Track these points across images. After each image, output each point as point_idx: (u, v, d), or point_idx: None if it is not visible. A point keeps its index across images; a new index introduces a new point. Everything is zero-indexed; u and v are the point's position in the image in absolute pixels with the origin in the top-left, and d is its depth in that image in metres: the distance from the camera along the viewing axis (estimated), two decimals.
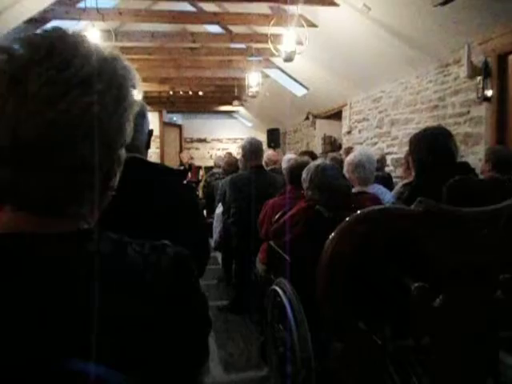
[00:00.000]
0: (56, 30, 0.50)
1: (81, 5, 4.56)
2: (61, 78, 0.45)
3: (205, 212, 5.24)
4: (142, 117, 1.35)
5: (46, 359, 0.42)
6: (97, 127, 0.47)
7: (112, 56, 0.52)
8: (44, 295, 0.44)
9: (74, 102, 0.45)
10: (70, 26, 4.88)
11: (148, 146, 1.42)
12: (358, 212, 1.02)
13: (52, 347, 0.43)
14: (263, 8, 5.11)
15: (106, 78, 0.49)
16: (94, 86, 0.47)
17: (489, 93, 3.64)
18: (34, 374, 0.41)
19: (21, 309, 0.43)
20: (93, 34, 4.27)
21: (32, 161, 0.45)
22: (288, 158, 4.01)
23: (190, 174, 8.22)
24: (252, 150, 3.34)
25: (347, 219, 1.00)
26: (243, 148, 3.40)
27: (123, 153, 0.55)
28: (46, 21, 4.76)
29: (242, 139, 3.65)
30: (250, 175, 3.29)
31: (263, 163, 4.46)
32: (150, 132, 1.41)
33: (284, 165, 3.92)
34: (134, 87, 0.54)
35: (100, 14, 4.27)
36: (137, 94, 0.56)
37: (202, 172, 8.83)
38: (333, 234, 0.99)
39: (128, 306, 0.47)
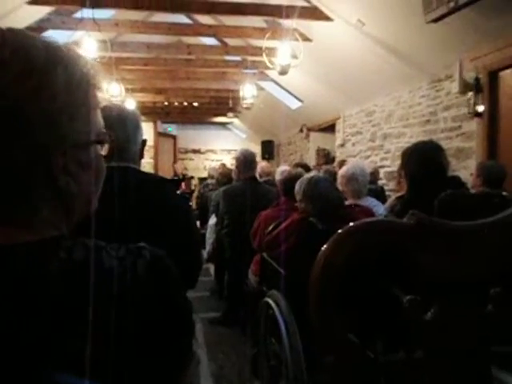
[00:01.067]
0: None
1: (77, 15, 4.59)
2: None
3: (198, 223, 5.23)
4: (135, 126, 1.36)
5: (23, 371, 0.41)
6: (4, 125, 0.43)
7: (36, 44, 0.48)
8: (18, 307, 0.43)
9: None
10: (66, 35, 4.91)
11: (141, 156, 1.42)
12: (351, 224, 1.02)
13: (29, 358, 0.42)
14: (258, 22, 5.18)
15: (15, 70, 0.45)
16: None
17: (480, 108, 3.70)
18: None
19: None
20: (89, 44, 4.29)
21: None
22: (282, 169, 4.03)
23: (183, 185, 8.22)
24: (245, 161, 3.35)
25: (339, 231, 1.00)
26: (237, 159, 3.42)
27: (91, 154, 0.52)
28: (42, 30, 4.78)
29: (236, 150, 3.66)
30: (243, 187, 3.29)
31: (257, 175, 4.48)
32: (144, 142, 1.41)
33: (278, 177, 3.93)
34: (81, 76, 0.51)
35: (96, 24, 4.30)
36: (98, 88, 0.54)
37: (194, 182, 8.82)
38: (325, 246, 0.99)
39: (104, 312, 0.46)
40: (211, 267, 4.49)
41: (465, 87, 3.85)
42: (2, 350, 0.41)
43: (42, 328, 0.42)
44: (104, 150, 0.55)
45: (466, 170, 3.81)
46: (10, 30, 0.48)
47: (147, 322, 0.49)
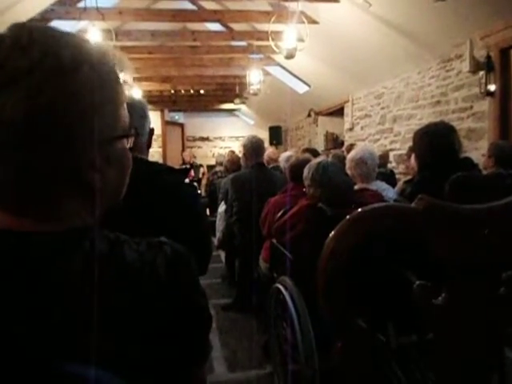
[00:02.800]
0: (19, 25, 0.49)
1: (81, 4, 4.56)
2: None
3: (208, 211, 5.25)
4: (142, 116, 1.35)
5: (43, 362, 0.42)
6: (33, 125, 0.44)
7: (64, 42, 0.48)
8: (40, 294, 0.44)
9: (3, 103, 0.44)
10: (70, 25, 4.91)
11: (149, 146, 1.42)
12: (359, 209, 1.01)
13: (49, 349, 0.42)
14: (264, 5, 5.10)
15: (45, 71, 0.45)
16: (25, 81, 0.44)
17: (492, 87, 3.62)
18: (32, 376, 0.41)
19: (14, 308, 0.43)
20: (93, 33, 4.27)
21: None
22: (286, 155, 4.01)
23: (192, 173, 8.24)
24: (253, 147, 3.34)
25: (348, 217, 0.99)
26: (244, 146, 3.41)
27: (117, 148, 0.53)
28: (47, 21, 4.76)
29: (244, 137, 3.65)
30: (251, 173, 3.29)
31: (264, 161, 4.47)
32: (151, 131, 1.41)
33: (282, 163, 3.92)
34: (109, 73, 0.51)
35: (100, 13, 4.27)
36: (125, 82, 0.54)
37: (202, 169, 8.82)
38: (333, 232, 0.99)
39: (125, 306, 0.47)
40: (222, 254, 4.52)
41: (476, 66, 3.77)
42: (16, 338, 0.42)
43: (60, 317, 0.43)
44: (129, 144, 0.56)
45: (477, 150, 3.75)
46: (37, 29, 0.48)
47: (165, 316, 0.50)
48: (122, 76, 0.54)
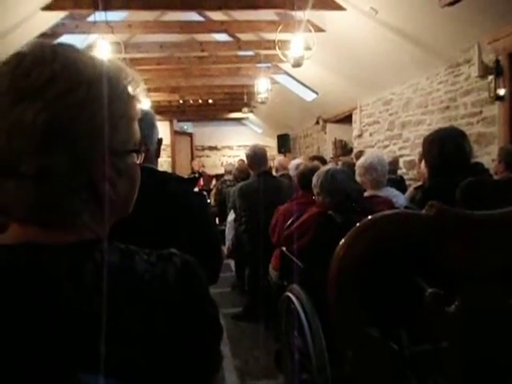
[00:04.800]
0: (42, 42, 0.51)
1: (91, 19, 4.64)
2: (13, 88, 0.46)
3: (217, 220, 5.25)
4: (150, 126, 1.37)
5: (56, 371, 0.42)
6: (51, 134, 0.46)
7: (83, 59, 0.51)
8: (53, 305, 0.44)
9: (24, 111, 0.45)
10: (80, 39, 5.00)
11: (158, 155, 1.43)
12: (369, 217, 1.01)
13: (61, 359, 0.43)
14: (270, 15, 5.14)
15: (66, 83, 0.47)
16: (46, 92, 0.46)
17: (501, 92, 3.59)
18: None
19: (29, 319, 0.43)
20: (103, 46, 4.34)
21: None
22: (296, 163, 4.01)
23: (201, 182, 8.27)
24: (256, 157, 3.35)
25: (358, 224, 0.99)
26: (247, 156, 3.42)
27: (128, 162, 0.54)
28: (57, 35, 4.86)
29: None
30: (257, 182, 3.29)
31: (274, 169, 4.47)
32: (160, 141, 1.42)
33: (292, 170, 3.92)
34: (123, 89, 0.53)
35: (109, 26, 4.34)
36: (138, 99, 0.56)
37: (214, 182, 8.84)
38: (343, 240, 0.98)
39: (136, 317, 0.47)
40: (232, 263, 4.51)
41: (484, 71, 3.74)
42: (28, 348, 0.42)
43: (70, 328, 0.44)
44: (140, 159, 0.58)
45: (488, 155, 3.71)
46: (61, 46, 0.52)
47: (175, 328, 0.50)
48: (136, 93, 0.56)
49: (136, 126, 0.56)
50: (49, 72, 0.47)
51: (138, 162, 0.57)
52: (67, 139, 0.47)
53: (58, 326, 0.44)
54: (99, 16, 4.29)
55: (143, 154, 0.59)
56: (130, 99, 0.55)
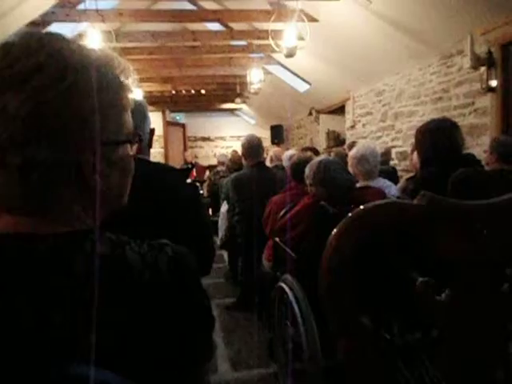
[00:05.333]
0: (30, 31, 0.51)
1: (81, 7, 4.56)
2: (0, 78, 0.46)
3: (210, 211, 5.25)
4: (143, 116, 1.36)
5: (46, 362, 0.42)
6: (36, 125, 0.45)
7: (71, 48, 0.49)
8: (42, 295, 0.44)
9: (8, 102, 0.45)
10: (70, 27, 4.92)
11: (150, 146, 1.42)
12: (361, 207, 1.01)
13: (52, 349, 0.43)
14: (263, 4, 5.09)
15: (51, 72, 0.46)
16: (30, 82, 0.45)
17: (493, 83, 3.60)
18: (34, 377, 0.41)
19: (17, 310, 0.43)
20: (93, 35, 4.28)
21: None
22: (289, 154, 4.00)
23: (194, 173, 8.24)
24: (251, 147, 3.33)
25: (349, 214, 0.99)
26: (242, 146, 3.40)
27: (120, 153, 0.54)
28: (47, 24, 4.77)
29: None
30: (250, 173, 3.28)
31: (268, 159, 4.47)
32: (152, 131, 1.41)
33: (286, 161, 3.91)
34: (113, 78, 0.52)
35: (100, 15, 4.28)
36: (130, 89, 0.55)
37: (207, 173, 8.83)
38: (335, 230, 0.99)
39: (127, 307, 0.47)
40: (225, 254, 4.52)
41: (477, 62, 3.75)
42: (18, 339, 0.42)
43: (61, 318, 0.43)
44: (133, 150, 0.57)
45: (480, 146, 3.74)
46: (48, 35, 0.50)
47: (167, 317, 0.50)
48: (128, 82, 0.55)
49: (128, 116, 0.55)
50: (34, 62, 0.46)
51: (131, 152, 0.56)
52: (53, 129, 0.46)
53: (46, 316, 0.43)
54: (90, 4, 4.22)
55: (136, 145, 0.58)
56: (121, 88, 0.53)
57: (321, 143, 7.93)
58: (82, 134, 0.48)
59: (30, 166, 0.46)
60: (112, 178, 0.53)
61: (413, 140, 2.21)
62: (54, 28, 4.87)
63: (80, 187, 0.50)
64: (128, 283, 0.48)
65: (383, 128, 5.75)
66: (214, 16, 5.41)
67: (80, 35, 4.40)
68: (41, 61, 0.46)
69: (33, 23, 4.57)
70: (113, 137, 0.52)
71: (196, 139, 12.37)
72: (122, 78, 0.54)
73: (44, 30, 0.53)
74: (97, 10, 4.24)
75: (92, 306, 0.44)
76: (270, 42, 4.39)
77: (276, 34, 4.58)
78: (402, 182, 3.18)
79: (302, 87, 7.56)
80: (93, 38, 4.27)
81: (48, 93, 0.46)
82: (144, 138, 1.36)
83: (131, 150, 0.56)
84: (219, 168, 6.30)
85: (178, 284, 0.52)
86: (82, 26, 4.85)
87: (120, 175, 0.54)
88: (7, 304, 0.43)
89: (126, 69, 0.54)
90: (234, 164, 5.00)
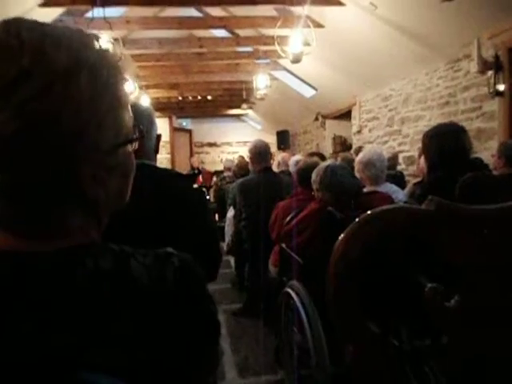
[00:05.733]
0: (6, 24, 0.44)
1: (88, 15, 4.62)
2: None
3: (216, 216, 5.25)
4: (149, 122, 1.36)
5: (50, 377, 0.41)
6: (25, 143, 0.41)
7: (58, 45, 0.43)
8: (43, 315, 0.42)
9: None
10: None
11: (157, 151, 1.42)
12: (368, 212, 1.00)
13: (53, 370, 0.41)
14: (269, 10, 5.11)
15: (37, 80, 0.41)
16: (15, 94, 0.40)
17: (501, 87, 3.58)
18: None
19: (18, 330, 0.41)
20: (101, 43, 4.31)
21: None
22: (295, 159, 4.00)
23: (200, 178, 8.26)
24: (258, 152, 3.34)
25: (357, 220, 0.98)
26: (250, 151, 3.40)
27: (119, 156, 0.50)
28: None
29: (251, 142, 3.65)
30: (257, 178, 3.28)
31: (275, 165, 4.47)
32: (158, 137, 1.42)
33: (292, 167, 3.91)
34: (110, 76, 0.47)
35: (108, 22, 4.31)
36: (132, 90, 0.52)
37: (214, 178, 8.85)
38: (342, 235, 0.98)
39: (133, 321, 0.46)
40: (231, 259, 4.51)
41: (484, 66, 3.73)
42: (21, 359, 0.41)
43: (63, 338, 0.42)
44: (134, 146, 0.53)
45: (487, 151, 3.71)
46: (27, 30, 0.43)
47: (174, 328, 0.48)
48: (124, 76, 0.50)
49: (128, 114, 0.51)
50: (16, 69, 0.40)
51: (131, 149, 0.53)
52: (45, 146, 0.42)
53: (50, 335, 0.41)
54: (97, 12, 4.27)
55: (137, 143, 0.54)
56: (118, 87, 0.48)
57: (327, 148, 7.92)
58: (77, 144, 0.44)
59: (22, 185, 0.43)
60: (113, 184, 0.50)
61: (420, 145, 2.20)
62: None
63: (79, 199, 0.47)
64: (133, 297, 0.46)
65: (390, 133, 5.73)
66: (220, 23, 5.44)
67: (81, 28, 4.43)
68: (24, 67, 0.40)
69: None
70: (112, 140, 0.48)
71: (202, 145, 12.42)
72: (119, 72, 0.49)
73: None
74: (104, 18, 4.29)
75: (96, 323, 0.43)
76: (276, 47, 4.40)
77: (282, 39, 4.59)
78: (409, 186, 3.16)
79: (308, 92, 7.57)
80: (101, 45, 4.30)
81: (35, 107, 0.40)
82: (151, 144, 1.37)
83: (132, 147, 0.53)
84: (226, 173, 6.31)
85: (184, 295, 0.51)
86: None
87: (121, 178, 0.52)
88: (6, 323, 0.41)
89: (122, 59, 0.51)
90: (241, 169, 5.00)
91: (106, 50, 0.48)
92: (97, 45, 0.48)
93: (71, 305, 0.43)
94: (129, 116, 0.51)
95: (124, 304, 0.45)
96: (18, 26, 0.43)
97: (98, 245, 0.49)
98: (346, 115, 7.34)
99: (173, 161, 10.74)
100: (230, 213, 3.91)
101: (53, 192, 0.45)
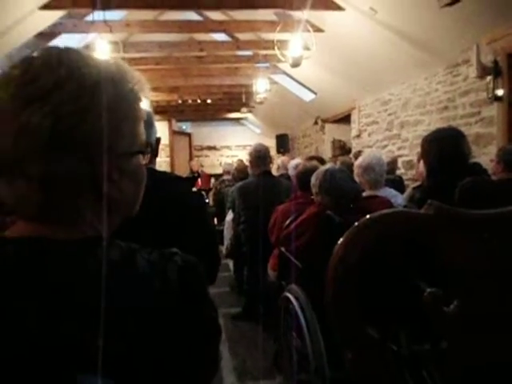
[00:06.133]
0: (49, 48, 0.53)
1: (89, 18, 4.63)
2: (21, 93, 0.48)
3: (215, 220, 5.25)
4: (148, 125, 1.36)
5: (58, 367, 0.43)
6: (57, 137, 0.48)
7: (88, 64, 0.52)
8: (54, 300, 0.45)
9: (30, 115, 0.47)
10: (78, 39, 5.00)
11: (156, 155, 1.42)
12: (367, 216, 1.00)
13: (60, 357, 0.43)
14: (269, 15, 5.14)
15: (70, 90, 0.49)
16: (52, 97, 0.48)
17: (499, 92, 3.59)
18: (43, 379, 0.42)
19: (32, 311, 0.44)
20: (101, 46, 4.33)
21: (6, 170, 0.49)
22: (295, 163, 4.01)
23: (200, 182, 8.26)
24: (258, 156, 3.34)
25: (356, 224, 0.98)
26: (250, 155, 3.41)
27: (133, 163, 0.56)
28: (56, 35, 4.84)
29: (251, 146, 3.66)
30: (257, 182, 3.28)
31: (275, 168, 4.47)
32: (158, 140, 1.42)
33: (291, 170, 3.92)
34: (128, 92, 0.54)
35: (108, 26, 4.33)
36: (143, 101, 0.57)
37: (213, 181, 8.85)
38: (341, 239, 0.98)
39: (137, 315, 0.47)
40: (230, 263, 4.50)
41: (483, 71, 3.74)
42: (28, 343, 0.43)
43: (71, 322, 0.44)
44: (145, 160, 0.59)
45: (486, 156, 3.71)
46: (67, 51, 0.53)
47: (176, 326, 0.50)
48: (141, 94, 0.57)
49: (141, 127, 0.57)
50: (55, 78, 0.49)
51: (143, 162, 0.58)
52: (71, 143, 0.49)
53: (58, 321, 0.44)
54: (97, 15, 4.28)
55: (149, 155, 0.60)
56: (135, 101, 0.56)
57: (326, 152, 7.93)
58: (98, 147, 0.50)
59: (49, 178, 0.48)
60: (125, 188, 0.54)
61: (419, 149, 2.20)
62: (63, 39, 4.94)
63: (94, 196, 0.52)
64: (137, 289, 0.49)
65: (389, 137, 5.74)
66: (220, 26, 5.47)
67: (88, 46, 4.45)
68: (61, 77, 0.49)
69: (41, 34, 4.64)
70: (127, 148, 0.54)
71: (202, 148, 12.43)
72: (136, 91, 0.56)
73: (52, 41, 0.54)
74: (104, 21, 4.30)
75: (102, 311, 0.45)
76: (276, 52, 4.42)
77: (282, 44, 4.61)
78: (408, 191, 3.17)
79: (308, 96, 7.59)
80: (101, 48, 4.32)
81: (68, 108, 0.48)
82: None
83: (143, 159, 0.58)
84: (225, 177, 6.30)
85: (187, 294, 0.52)
86: (90, 37, 4.91)
87: (133, 184, 0.56)
88: (18, 306, 0.44)
89: (139, 81, 0.57)
90: (240, 173, 5.00)
91: (128, 72, 0.56)
92: (119, 68, 0.56)
93: (81, 293, 0.46)
94: (142, 130, 0.58)
95: (128, 295, 0.48)
96: (59, 51, 0.53)
97: (106, 239, 0.52)
98: (345, 119, 7.36)
99: (172, 164, 10.74)
100: (229, 216, 3.91)
101: (73, 186, 0.50)
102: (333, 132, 8.09)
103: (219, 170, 9.82)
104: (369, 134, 6.41)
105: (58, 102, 0.48)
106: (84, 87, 0.49)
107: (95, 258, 0.48)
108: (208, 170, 10.46)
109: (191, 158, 11.07)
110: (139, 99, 0.56)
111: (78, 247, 0.49)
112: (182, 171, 9.57)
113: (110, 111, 0.50)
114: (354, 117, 6.84)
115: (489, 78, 3.67)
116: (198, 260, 0.57)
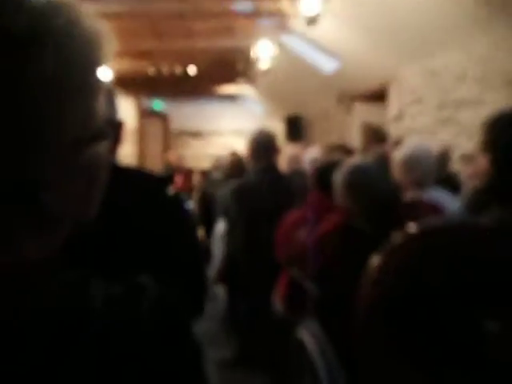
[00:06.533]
0: None
1: None
2: None
3: (201, 232, 5.26)
4: (108, 104, 1.38)
5: None
6: None
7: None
8: None
9: None
10: None
11: (117, 143, 1.43)
12: (411, 228, 1.01)
13: None
14: None
15: None
16: None
17: None
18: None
19: None
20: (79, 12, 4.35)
21: None
22: (311, 156, 4.02)
23: (179, 180, 8.29)
24: (258, 146, 3.34)
25: (395, 238, 0.99)
26: (248, 146, 3.42)
27: (86, 156, 0.50)
28: None
29: (250, 132, 3.66)
30: (258, 181, 3.29)
31: (283, 163, 4.49)
32: (120, 124, 1.43)
33: (308, 165, 3.94)
34: (83, 46, 0.48)
35: None
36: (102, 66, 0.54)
37: (197, 180, 8.89)
38: (375, 259, 0.99)
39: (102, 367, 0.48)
40: (222, 290, 4.52)
41: None
42: None
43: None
44: (104, 146, 0.54)
45: None
46: None
47: (153, 371, 0.51)
48: (103, 56, 0.51)
49: (98, 102, 0.52)
50: None
51: (102, 150, 0.53)
52: None
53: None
54: None
55: (108, 140, 0.55)
56: (91, 65, 0.50)
57: (354, 141, 7.96)
58: (28, 137, 0.44)
59: None
60: (72, 190, 0.50)
61: (480, 137, 2.21)
62: None
63: (28, 209, 0.47)
64: (89, 340, 0.48)
65: (440, 121, 5.77)
66: None
67: None
68: None
69: None
70: (76, 133, 0.48)
71: (182, 134, 12.48)
72: (94, 49, 0.50)
73: None
74: None
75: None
76: (285, 4, 4.45)
77: None
78: (466, 193, 3.18)
79: (328, 66, 7.63)
80: None
81: None
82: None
83: (101, 146, 0.53)
84: (214, 174, 6.33)
85: (162, 333, 0.53)
86: None
87: (85, 184, 0.52)
88: None
89: (101, 34, 0.51)
90: (234, 169, 5.03)
91: (80, 19, 0.49)
92: (69, 10, 0.48)
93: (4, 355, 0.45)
94: (100, 106, 0.52)
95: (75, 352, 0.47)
96: None
97: (44, 271, 0.51)
98: (380, 97, 7.39)
99: (141, 156, 10.80)
100: (220, 227, 3.92)
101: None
102: (363, 114, 8.12)
103: (206, 165, 9.85)
104: (412, 117, 6.43)
105: None
106: (11, 47, 0.42)
107: (24, 305, 0.47)
108: (191, 165, 10.49)
109: (168, 148, 11.11)
110: (99, 61, 0.51)
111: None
112: (156, 166, 9.61)
113: (52, 84, 0.44)
114: (393, 93, 6.87)
115: None
116: (174, 289, 0.58)
